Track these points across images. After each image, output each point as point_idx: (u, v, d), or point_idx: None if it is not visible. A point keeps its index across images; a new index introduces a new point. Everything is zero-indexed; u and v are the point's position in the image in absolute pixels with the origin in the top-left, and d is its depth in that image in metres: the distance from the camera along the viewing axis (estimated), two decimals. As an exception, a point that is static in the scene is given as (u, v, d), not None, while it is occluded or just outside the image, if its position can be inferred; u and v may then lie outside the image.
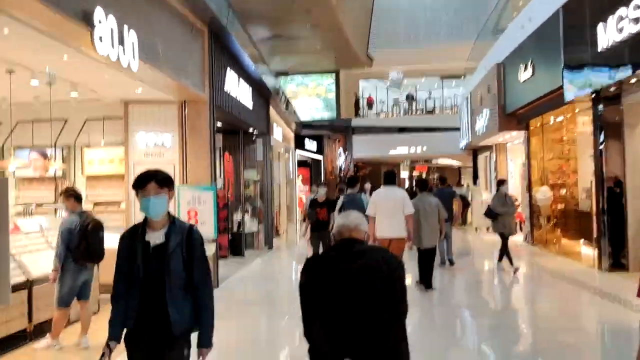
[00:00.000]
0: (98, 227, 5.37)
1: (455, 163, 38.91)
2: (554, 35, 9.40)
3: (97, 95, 7.61)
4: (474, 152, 22.42)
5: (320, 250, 8.39)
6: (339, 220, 2.66)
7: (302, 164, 22.32)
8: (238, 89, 10.26)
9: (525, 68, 11.13)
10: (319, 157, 23.11)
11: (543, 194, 12.55)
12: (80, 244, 5.19)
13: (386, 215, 7.06)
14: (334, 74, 29.33)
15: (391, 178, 7.66)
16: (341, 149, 25.86)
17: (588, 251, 9.94)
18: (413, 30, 26.23)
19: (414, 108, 30.52)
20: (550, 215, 12.70)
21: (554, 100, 10.04)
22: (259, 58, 13.11)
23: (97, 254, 5.37)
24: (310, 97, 29.53)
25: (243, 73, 10.80)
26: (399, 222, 7.01)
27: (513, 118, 13.04)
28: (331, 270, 2.41)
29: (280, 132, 15.85)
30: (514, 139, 15.35)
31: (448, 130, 26.71)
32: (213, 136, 8.48)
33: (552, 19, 9.49)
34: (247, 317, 7.15)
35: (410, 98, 30.78)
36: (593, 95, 8.75)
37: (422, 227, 7.94)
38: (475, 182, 23.69)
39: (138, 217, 8.33)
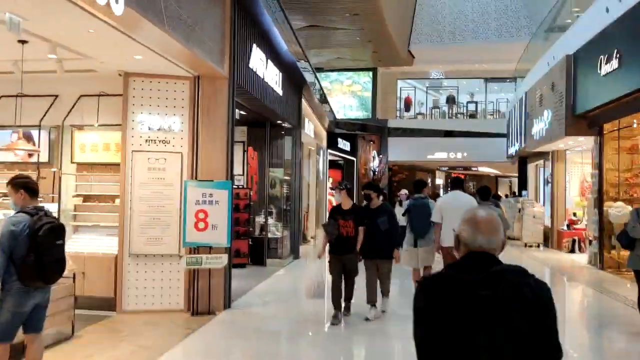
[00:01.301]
0: (56, 232, 3.83)
1: (493, 171, 36.84)
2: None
3: (88, 63, 6.12)
4: (522, 160, 20.49)
5: (342, 283, 6.51)
6: (463, 226, 1.98)
7: (333, 164, 20.70)
8: (266, 71, 8.70)
9: (608, 60, 9.29)
10: (352, 158, 21.45)
11: (618, 210, 10.68)
12: (27, 255, 3.66)
13: (453, 222, 6.31)
14: (371, 72, 27.64)
15: (458, 183, 7.53)
16: (375, 152, 24.16)
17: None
18: (458, 27, 24.36)
19: (454, 111, 28.67)
20: (625, 235, 10.81)
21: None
22: (293, 42, 11.55)
23: (52, 270, 3.81)
24: (345, 95, 27.92)
25: (272, 53, 9.24)
26: None
27: (583, 120, 11.18)
28: (464, 297, 1.81)
29: (312, 128, 14.28)
30: (579, 145, 13.46)
31: (491, 136, 24.85)
32: (232, 121, 6.93)
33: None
34: (261, 352, 5.57)
35: (451, 100, 28.94)
36: None
37: None
38: (520, 193, 21.79)
39: (135, 216, 6.86)
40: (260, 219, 11.02)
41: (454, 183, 7.70)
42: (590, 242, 14.05)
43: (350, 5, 18.15)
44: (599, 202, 11.24)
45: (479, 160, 26.25)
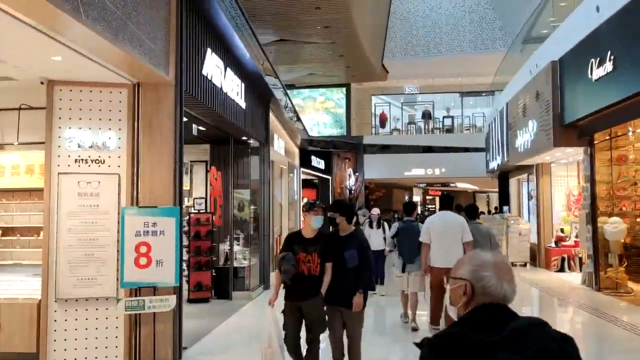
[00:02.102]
0: None
1: (471, 187, 36.25)
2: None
3: (1, 69, 5.04)
4: (502, 174, 19.76)
5: (302, 341, 4.82)
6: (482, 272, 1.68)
7: (308, 183, 19.70)
8: (224, 81, 7.69)
9: (600, 63, 8.51)
10: (327, 176, 20.48)
11: (614, 226, 9.86)
12: None
13: (442, 242, 6.57)
14: (344, 88, 26.87)
15: (448, 202, 7.09)
16: (351, 170, 23.25)
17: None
18: (432, 40, 23.77)
19: (430, 127, 28.03)
20: (623, 253, 10.00)
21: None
22: (256, 51, 10.59)
23: None
24: (318, 112, 27.07)
25: (232, 61, 8.25)
26: (456, 251, 6.32)
27: (572, 130, 10.39)
28: None
29: (282, 145, 13.27)
30: (565, 157, 12.71)
31: (469, 150, 24.21)
32: (180, 136, 5.87)
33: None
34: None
35: (427, 116, 28.30)
36: None
37: None
38: (501, 209, 21.04)
39: (62, 252, 5.73)
40: (225, 247, 9.91)
41: (444, 202, 7.35)
42: (580, 260, 13.27)
43: (321, 17, 17.35)
44: (592, 218, 10.42)
45: (458, 175, 25.55)
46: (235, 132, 9.46)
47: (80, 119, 5.51)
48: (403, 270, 7.27)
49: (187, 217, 9.36)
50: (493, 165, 17.20)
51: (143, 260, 5.39)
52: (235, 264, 9.88)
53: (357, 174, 23.20)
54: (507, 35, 22.57)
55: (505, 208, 20.46)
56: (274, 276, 6.27)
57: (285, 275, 4.62)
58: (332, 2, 16.25)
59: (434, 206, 41.49)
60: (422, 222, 7.54)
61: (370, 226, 10.23)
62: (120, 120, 5.61)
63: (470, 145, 24.44)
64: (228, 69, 7.87)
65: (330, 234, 4.94)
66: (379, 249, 9.63)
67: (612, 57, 8.16)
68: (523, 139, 12.85)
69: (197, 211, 9.66)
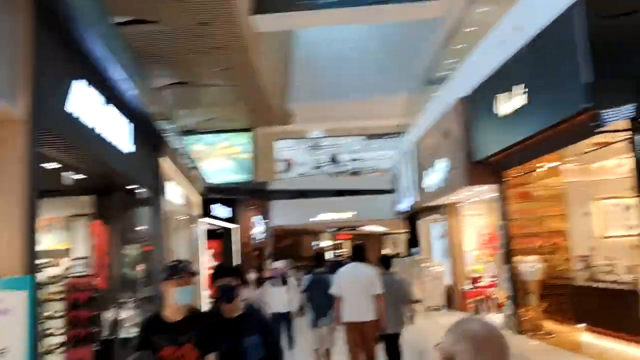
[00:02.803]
0: None
1: (379, 229, 36.21)
2: (564, 40, 6.57)
3: None
4: (411, 216, 19.53)
5: None
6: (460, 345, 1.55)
7: (211, 234, 18.35)
8: (103, 121, 6.53)
9: (511, 96, 8.25)
10: (234, 225, 19.26)
11: (531, 265, 9.52)
12: None
13: (351, 296, 6.40)
14: (249, 133, 26.02)
15: (359, 253, 6.78)
16: (257, 217, 22.19)
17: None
18: (339, 83, 23.66)
19: (338, 170, 27.78)
20: (540, 292, 9.65)
21: (564, 133, 7.14)
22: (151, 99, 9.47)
23: None
24: (219, 157, 25.92)
25: (114, 99, 7.10)
26: (365, 304, 6.31)
27: (484, 167, 10.10)
28: None
29: (179, 193, 12.04)
30: (477, 195, 12.47)
31: (377, 192, 24.05)
32: (34, 185, 4.64)
33: (563, 18, 6.65)
34: None
35: (333, 160, 28.06)
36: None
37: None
38: (410, 252, 20.77)
39: None
40: (110, 314, 8.44)
41: (355, 253, 6.95)
42: (491, 299, 12.94)
43: (221, 58, 16.53)
44: (508, 257, 10.07)
45: (367, 218, 25.20)
46: (120, 180, 8.20)
47: None
48: (315, 325, 7.11)
49: (61, 283, 7.86)
50: (403, 206, 16.85)
51: (-23, 352, 4.03)
52: (124, 335, 8.43)
53: (264, 221, 22.15)
54: (410, 78, 22.91)
55: (414, 250, 20.20)
56: None
57: None
58: (231, 43, 15.50)
59: (344, 250, 41.13)
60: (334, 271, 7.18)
61: (272, 283, 8.89)
62: (-52, 166, 4.32)
63: (378, 187, 24.28)
64: (109, 105, 6.71)
65: (212, 315, 3.49)
66: (284, 312, 8.49)
67: (525, 89, 7.89)
68: (435, 178, 12.52)
69: (76, 275, 8.17)
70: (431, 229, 17.65)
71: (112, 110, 6.92)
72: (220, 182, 22.33)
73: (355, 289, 6.38)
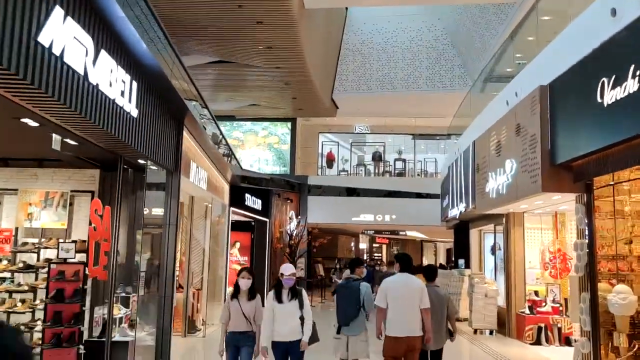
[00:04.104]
0: None
1: (420, 236, 34.28)
2: None
3: None
4: (460, 224, 17.69)
5: None
6: None
7: (241, 226, 16.96)
8: (95, 69, 5.10)
9: (617, 82, 6.43)
10: (264, 218, 17.80)
11: (622, 297, 7.64)
12: None
13: (398, 308, 6.05)
14: (289, 123, 24.59)
15: (407, 263, 6.42)
16: (292, 212, 20.70)
17: None
18: (387, 75, 21.92)
19: (381, 169, 26.06)
20: (630, 331, 7.77)
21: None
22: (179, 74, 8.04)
23: None
24: (259, 147, 24.58)
25: (117, 46, 5.68)
26: (416, 317, 6.02)
27: (567, 172, 8.26)
28: None
29: (204, 177, 10.62)
30: (545, 206, 10.63)
31: (423, 196, 22.26)
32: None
33: None
34: None
35: (377, 157, 26.34)
36: None
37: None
38: (456, 264, 18.93)
39: None
40: (102, 311, 7.06)
41: (403, 263, 6.40)
42: (559, 330, 11.08)
43: (264, 35, 15.09)
44: (590, 284, 8.20)
45: (409, 223, 23.40)
46: (128, 152, 6.78)
47: None
48: (338, 332, 6.63)
49: (47, 269, 6.52)
50: (454, 213, 15.03)
51: None
52: (117, 338, 7.02)
53: (299, 217, 20.65)
54: (467, 74, 21.00)
55: (460, 262, 18.35)
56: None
57: None
58: (276, 18, 14.03)
59: (380, 254, 39.34)
60: (370, 277, 6.82)
61: (279, 298, 5.85)
62: None
63: (423, 191, 22.48)
64: (103, 52, 5.28)
65: None
66: (294, 340, 5.77)
67: (638, 73, 6.07)
68: (496, 182, 10.71)
69: (61, 260, 6.81)
70: (484, 240, 15.80)
71: (111, 60, 5.48)
72: (254, 171, 20.95)
73: (405, 302, 6.09)
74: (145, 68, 6.45)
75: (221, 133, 14.63)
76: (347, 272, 7.15)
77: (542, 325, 11.12)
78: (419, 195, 22.49)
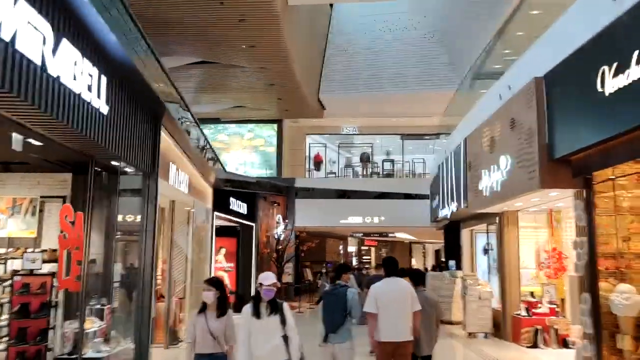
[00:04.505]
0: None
1: (409, 237, 33.91)
2: None
3: None
4: (450, 225, 17.33)
5: None
6: None
7: (226, 231, 16.44)
8: (55, 59, 4.62)
9: (619, 70, 6.06)
10: (250, 223, 17.30)
11: (625, 297, 7.28)
12: None
13: (389, 313, 5.99)
14: (275, 124, 24.14)
15: (393, 267, 6.35)
16: (280, 216, 20.21)
17: None
18: (374, 75, 21.56)
19: (369, 171, 25.68)
20: (636, 333, 7.40)
21: None
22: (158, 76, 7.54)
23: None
24: (245, 149, 24.09)
25: (78, 32, 5.19)
26: (406, 322, 5.99)
27: (565, 166, 7.89)
28: None
29: (184, 180, 10.12)
30: (543, 202, 10.28)
31: (412, 197, 21.90)
32: None
33: None
34: None
35: (365, 159, 25.96)
36: None
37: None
38: (446, 265, 18.59)
39: None
40: (73, 325, 6.53)
41: (389, 266, 6.39)
42: (556, 331, 10.71)
43: (247, 33, 14.62)
44: (591, 284, 7.83)
45: (398, 225, 23.03)
46: (95, 151, 6.28)
47: None
48: (325, 341, 6.30)
49: (9, 282, 6.00)
50: (444, 213, 14.65)
51: None
52: (90, 353, 6.49)
53: (286, 220, 20.16)
54: (455, 72, 20.68)
55: (451, 263, 17.99)
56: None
57: None
58: (259, 15, 13.59)
59: (369, 257, 38.90)
60: (360, 282, 6.72)
61: (257, 313, 4.93)
62: None
63: (412, 191, 22.11)
64: (65, 41, 4.79)
65: None
66: None
67: (642, 58, 5.69)
68: (490, 180, 10.33)
69: (26, 272, 6.29)
70: (476, 240, 15.44)
71: (74, 50, 4.99)
72: (238, 173, 20.44)
73: (394, 306, 6.03)
74: (116, 61, 5.97)
75: (205, 138, 14.12)
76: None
77: (539, 327, 10.74)
78: (408, 196, 22.13)
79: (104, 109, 5.77)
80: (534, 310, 11.06)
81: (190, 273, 11.73)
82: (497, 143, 10.10)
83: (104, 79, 5.72)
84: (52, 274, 6.33)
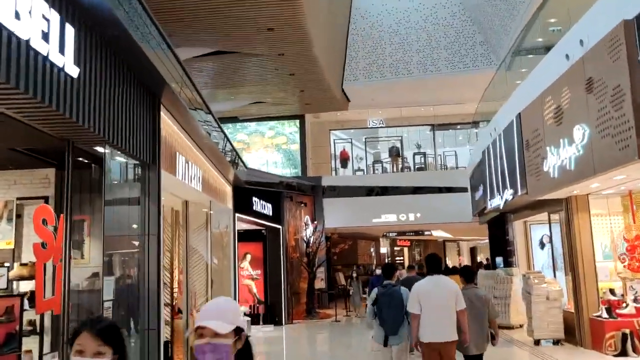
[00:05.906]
0: None
1: (444, 235, 32.09)
2: None
3: None
4: (495, 218, 15.59)
5: None
6: None
7: (250, 235, 14.96)
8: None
9: None
10: (277, 225, 15.79)
11: None
12: None
13: (434, 313, 5.76)
14: (297, 121, 22.65)
15: (436, 265, 6.14)
16: (307, 217, 18.67)
17: None
18: (401, 59, 19.90)
19: (399, 165, 23.99)
20: None
21: None
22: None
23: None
24: (267, 148, 22.64)
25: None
26: (450, 321, 5.73)
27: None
28: None
29: (197, 175, 8.64)
30: (628, 180, 8.52)
31: (449, 191, 20.19)
32: None
33: None
34: None
35: (395, 153, 24.26)
36: None
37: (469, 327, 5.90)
38: (494, 262, 16.86)
39: None
40: (56, 358, 5.06)
41: (432, 264, 6.10)
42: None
43: (265, 14, 13.15)
44: None
45: (437, 221, 21.24)
46: (65, 130, 4.81)
47: None
48: (386, 344, 6.27)
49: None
50: (495, 203, 12.90)
51: None
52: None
53: (315, 222, 18.61)
54: (490, 51, 18.93)
55: (498, 260, 16.24)
56: None
57: None
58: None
59: (402, 258, 37.12)
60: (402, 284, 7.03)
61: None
62: None
63: (449, 184, 20.37)
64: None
65: None
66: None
67: None
68: (559, 157, 8.61)
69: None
70: (531, 233, 13.68)
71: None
72: (261, 170, 18.93)
73: (438, 305, 5.80)
74: (92, 10, 4.49)
75: (225, 136, 12.60)
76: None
77: (627, 331, 8.96)
78: (445, 190, 20.42)
79: (72, 71, 4.28)
80: (617, 310, 9.30)
81: (211, 283, 10.24)
82: (566, 112, 8.38)
83: (70, 29, 4.24)
84: (23, 295, 4.86)
